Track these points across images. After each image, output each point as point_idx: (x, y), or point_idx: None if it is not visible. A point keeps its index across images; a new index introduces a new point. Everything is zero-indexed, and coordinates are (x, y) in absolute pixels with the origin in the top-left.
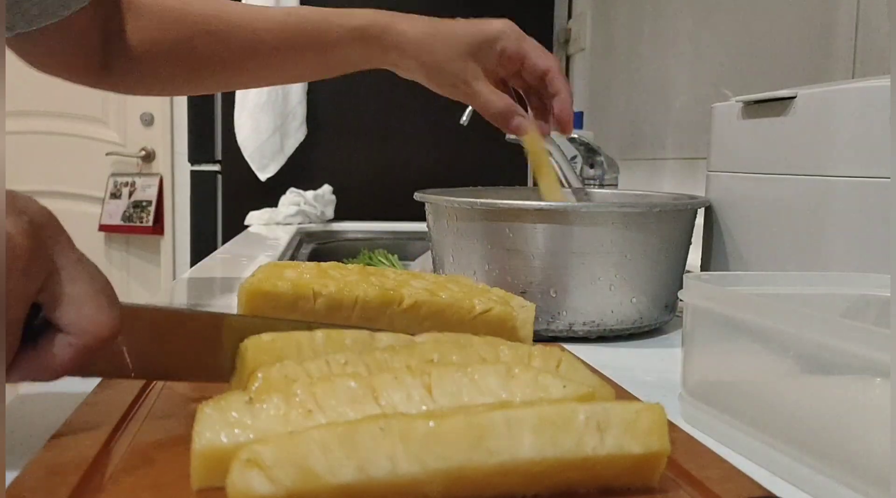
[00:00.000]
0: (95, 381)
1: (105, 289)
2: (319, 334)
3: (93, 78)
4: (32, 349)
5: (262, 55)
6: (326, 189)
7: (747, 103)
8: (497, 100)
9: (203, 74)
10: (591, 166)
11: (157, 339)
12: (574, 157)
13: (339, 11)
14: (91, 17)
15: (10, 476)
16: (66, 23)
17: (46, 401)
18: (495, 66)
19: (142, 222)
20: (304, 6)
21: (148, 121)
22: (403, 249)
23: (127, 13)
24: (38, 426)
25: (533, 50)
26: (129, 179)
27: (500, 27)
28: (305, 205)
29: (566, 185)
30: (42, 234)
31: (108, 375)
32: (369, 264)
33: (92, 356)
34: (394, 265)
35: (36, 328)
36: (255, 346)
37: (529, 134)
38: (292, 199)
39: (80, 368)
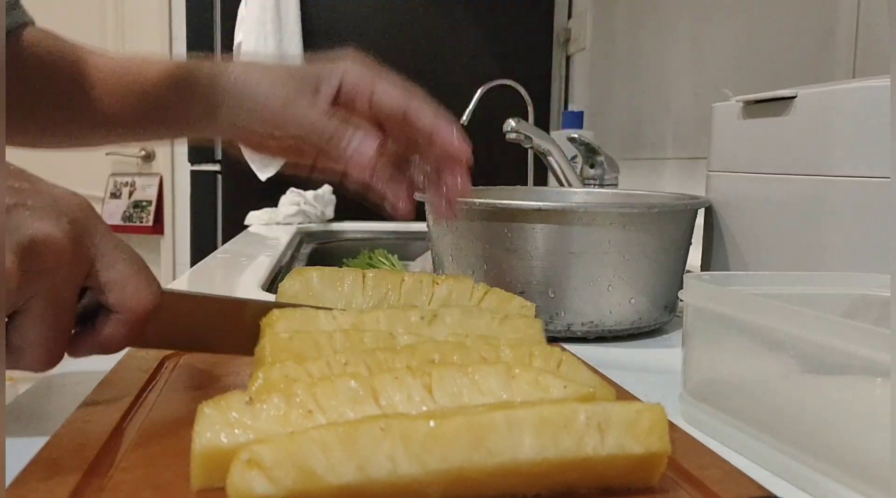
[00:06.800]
0: (96, 380)
1: (142, 269)
2: (339, 334)
3: None
4: (91, 329)
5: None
6: (326, 189)
7: (747, 103)
8: (327, 121)
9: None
10: (592, 166)
11: (189, 317)
12: (574, 157)
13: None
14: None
15: (11, 475)
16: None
17: (46, 401)
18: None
19: (142, 222)
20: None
21: None
22: (403, 249)
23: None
24: (37, 426)
25: (383, 83)
26: (129, 179)
27: (341, 64)
28: (305, 205)
29: (566, 184)
30: (81, 228)
31: (157, 347)
32: (370, 265)
33: (141, 328)
34: (394, 265)
35: (88, 309)
36: (273, 344)
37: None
38: (292, 199)
39: (133, 339)
